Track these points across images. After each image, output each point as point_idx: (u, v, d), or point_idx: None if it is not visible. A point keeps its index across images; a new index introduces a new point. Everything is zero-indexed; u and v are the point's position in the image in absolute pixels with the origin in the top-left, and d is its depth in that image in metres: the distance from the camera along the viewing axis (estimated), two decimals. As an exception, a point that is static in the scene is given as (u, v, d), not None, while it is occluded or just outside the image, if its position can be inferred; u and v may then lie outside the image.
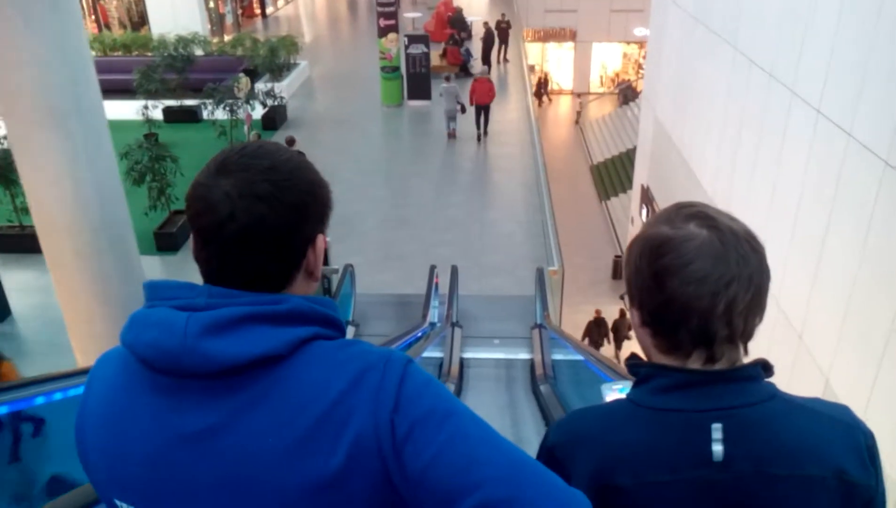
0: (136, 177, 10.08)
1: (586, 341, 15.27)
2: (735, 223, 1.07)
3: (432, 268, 8.50)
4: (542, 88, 30.60)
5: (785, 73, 7.98)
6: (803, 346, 7.58)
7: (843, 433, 1.07)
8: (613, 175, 23.52)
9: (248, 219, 0.95)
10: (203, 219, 0.97)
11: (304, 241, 1.01)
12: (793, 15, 7.77)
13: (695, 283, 1.03)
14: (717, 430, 1.03)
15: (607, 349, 15.98)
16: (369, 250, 10.81)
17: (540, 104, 30.32)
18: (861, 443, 1.08)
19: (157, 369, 0.94)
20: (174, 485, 0.94)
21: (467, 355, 7.69)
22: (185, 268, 10.38)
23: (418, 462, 0.88)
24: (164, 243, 10.65)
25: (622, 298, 1.17)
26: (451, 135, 15.89)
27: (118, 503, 0.99)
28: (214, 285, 0.97)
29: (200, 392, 0.92)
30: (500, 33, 21.60)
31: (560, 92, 32.83)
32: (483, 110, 15.73)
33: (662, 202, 14.25)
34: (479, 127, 15.87)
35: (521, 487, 0.86)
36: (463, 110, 15.73)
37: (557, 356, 7.12)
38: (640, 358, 1.15)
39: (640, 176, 16.34)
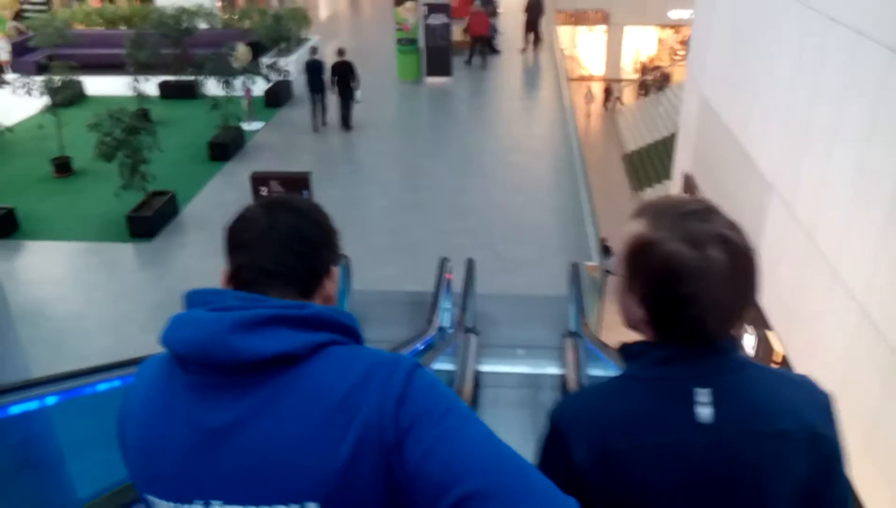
0: (105, 151, 8.74)
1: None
2: (741, 237, 1.15)
3: (442, 261, 7.02)
4: (608, 97, 29.06)
5: (878, 27, 6.41)
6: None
7: (809, 395, 1.22)
8: (648, 165, 22.04)
9: (287, 227, 1.14)
10: (246, 233, 1.14)
11: (324, 262, 1.17)
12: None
13: (711, 309, 1.13)
14: (704, 395, 1.15)
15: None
16: (373, 239, 9.38)
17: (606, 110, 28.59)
18: (824, 403, 1.22)
19: (189, 364, 1.03)
20: (200, 477, 1.02)
21: (484, 368, 6.26)
22: (160, 257, 9.02)
23: (414, 454, 0.95)
24: (139, 227, 9.29)
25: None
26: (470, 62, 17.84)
27: (148, 497, 1.06)
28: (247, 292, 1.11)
29: (226, 390, 1.01)
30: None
31: (590, 78, 31.28)
32: (478, 41, 17.82)
33: (708, 191, 12.74)
34: (477, 54, 17.94)
35: (507, 483, 0.91)
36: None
37: (596, 373, 5.70)
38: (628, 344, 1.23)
39: (682, 163, 14.76)
